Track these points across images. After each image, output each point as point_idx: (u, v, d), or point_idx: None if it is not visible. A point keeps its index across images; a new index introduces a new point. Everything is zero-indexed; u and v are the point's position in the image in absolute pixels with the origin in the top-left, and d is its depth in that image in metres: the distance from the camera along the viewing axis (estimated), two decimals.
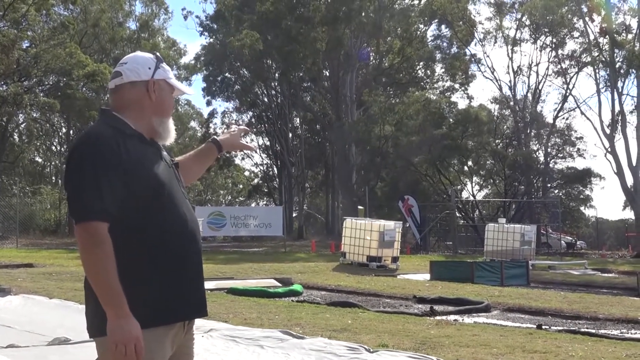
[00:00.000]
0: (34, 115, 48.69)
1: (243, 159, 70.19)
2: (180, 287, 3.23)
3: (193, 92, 4.43)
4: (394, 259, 27.11)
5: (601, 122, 48.31)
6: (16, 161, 49.58)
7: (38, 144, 50.73)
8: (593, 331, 11.86)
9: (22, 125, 53.14)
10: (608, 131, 47.86)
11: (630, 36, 47.96)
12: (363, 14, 51.29)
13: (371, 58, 58.76)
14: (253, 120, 64.48)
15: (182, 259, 3.24)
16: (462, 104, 55.91)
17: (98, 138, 3.22)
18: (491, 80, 57.10)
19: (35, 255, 26.55)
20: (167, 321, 3.20)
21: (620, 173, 46.53)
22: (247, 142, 4.12)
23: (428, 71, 59.79)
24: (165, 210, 3.22)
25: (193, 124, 73.25)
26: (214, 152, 3.97)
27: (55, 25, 46.70)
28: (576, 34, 53.26)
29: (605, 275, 28.63)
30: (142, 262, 3.17)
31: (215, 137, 4.03)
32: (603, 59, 48.79)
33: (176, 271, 3.22)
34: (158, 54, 3.50)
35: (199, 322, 10.52)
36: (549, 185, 55.05)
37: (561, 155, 55.39)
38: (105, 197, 3.09)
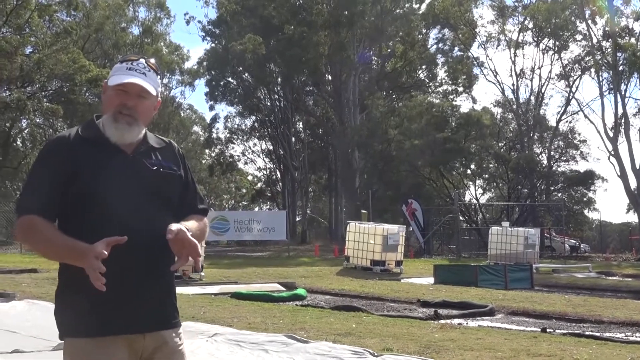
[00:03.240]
0: (37, 120, 48.73)
1: (246, 163, 70.25)
2: (104, 301, 3.15)
3: (115, 82, 3.81)
4: (398, 263, 27.08)
5: (604, 125, 48.26)
6: (19, 166, 49.54)
7: (42, 148, 50.68)
8: (597, 334, 11.85)
9: (26, 131, 53.19)
10: (611, 134, 47.79)
11: (633, 39, 47.93)
12: (365, 18, 51.29)
13: (373, 62, 58.75)
14: (256, 124, 64.51)
15: (110, 272, 3.07)
16: (465, 107, 55.90)
17: (48, 143, 3.42)
18: (494, 83, 57.16)
19: (39, 260, 26.50)
20: (88, 332, 3.18)
21: (623, 176, 46.46)
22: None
23: (430, 75, 59.72)
24: (94, 219, 3.19)
25: (196, 128, 73.32)
26: None
27: (58, 30, 46.72)
28: (579, 37, 53.30)
29: (610, 278, 28.59)
30: (68, 268, 3.21)
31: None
32: (606, 62, 48.75)
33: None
34: (131, 55, 3.49)
35: (203, 327, 10.54)
36: (552, 188, 54.94)
37: (564, 158, 55.38)
38: (38, 197, 3.21)
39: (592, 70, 51.34)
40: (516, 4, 55.03)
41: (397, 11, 54.94)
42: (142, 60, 3.41)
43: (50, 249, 3.22)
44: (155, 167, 3.37)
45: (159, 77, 3.47)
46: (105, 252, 3.00)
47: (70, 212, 3.22)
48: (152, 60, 3.48)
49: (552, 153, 55.20)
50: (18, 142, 53.86)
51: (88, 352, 3.20)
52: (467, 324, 13.55)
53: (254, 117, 64.17)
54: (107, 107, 3.36)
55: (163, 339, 3.35)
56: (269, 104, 60.40)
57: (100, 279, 2.98)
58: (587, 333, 12.00)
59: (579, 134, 56.23)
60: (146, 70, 3.38)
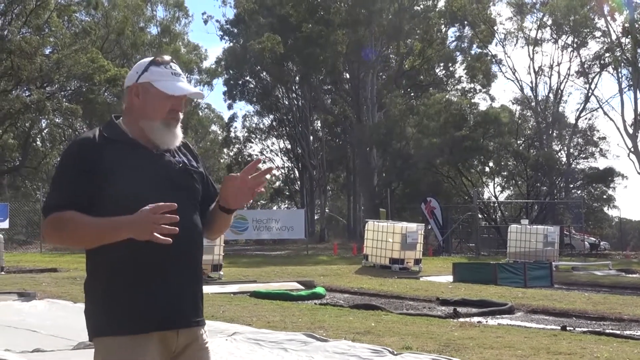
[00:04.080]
0: (57, 120, 48.97)
1: (264, 162, 70.27)
2: (138, 298, 3.18)
3: (181, 92, 3.43)
4: (417, 261, 27.03)
5: (624, 121, 48.02)
6: (39, 166, 49.83)
7: (61, 148, 50.93)
8: (618, 332, 11.80)
9: (45, 131, 53.45)
10: (631, 131, 47.54)
11: None
12: (383, 16, 51.24)
13: (391, 60, 58.69)
14: (274, 123, 64.60)
15: (143, 268, 3.16)
16: (483, 105, 55.74)
17: (73, 145, 3.40)
18: (512, 81, 57.14)
19: (59, 260, 26.72)
20: (123, 331, 3.18)
21: None
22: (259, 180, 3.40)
23: (448, 72, 59.64)
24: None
25: (214, 127, 73.36)
26: (217, 212, 3.50)
27: (77, 30, 46.98)
28: (598, 33, 53.00)
29: (630, 276, 28.42)
30: (103, 266, 3.23)
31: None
32: (625, 59, 48.49)
33: (135, 281, 3.18)
34: (163, 57, 3.48)
35: (222, 326, 10.58)
36: (571, 185, 54.75)
37: (583, 155, 55.16)
38: (64, 197, 3.20)
39: (611, 66, 51.10)
40: (534, 0, 54.86)
41: (415, 8, 54.84)
42: (176, 65, 3.44)
43: (88, 231, 3.16)
44: (181, 164, 3.40)
45: None
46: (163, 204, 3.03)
47: (99, 214, 3.18)
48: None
49: (571, 150, 55.02)
50: (38, 142, 54.15)
51: (123, 350, 3.19)
52: (486, 322, 13.52)
53: (272, 116, 64.32)
54: (146, 111, 3.36)
55: (194, 335, 3.37)
56: (287, 102, 60.49)
57: (168, 229, 3.02)
58: (607, 331, 11.95)
59: (598, 131, 55.91)
60: (183, 73, 3.43)
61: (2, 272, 22.36)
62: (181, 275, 3.29)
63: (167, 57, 3.48)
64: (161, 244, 3.06)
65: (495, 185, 56.92)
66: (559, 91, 55.90)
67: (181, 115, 3.42)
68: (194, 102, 62.81)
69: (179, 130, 3.41)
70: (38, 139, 54.36)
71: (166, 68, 3.39)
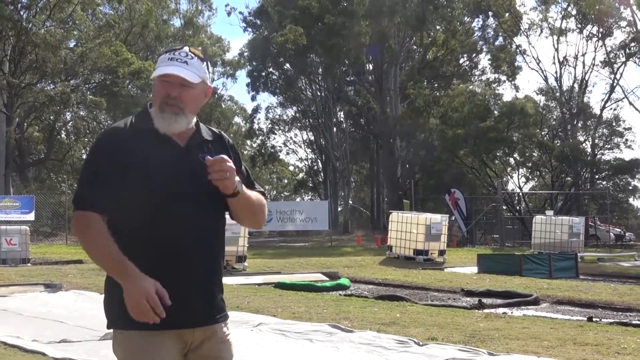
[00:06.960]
0: (81, 113, 49.23)
1: (288, 153, 70.39)
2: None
3: (158, 73, 3.31)
4: (441, 252, 26.98)
5: None
6: (64, 159, 50.13)
7: (86, 141, 51.24)
8: None
9: (70, 124, 53.77)
10: None
11: None
12: (407, 6, 51.03)
13: (415, 50, 58.48)
14: (297, 114, 64.64)
15: (153, 272, 3.12)
16: (507, 95, 55.49)
17: (103, 134, 3.43)
18: (537, 71, 56.86)
19: (84, 251, 26.85)
20: (140, 327, 3.18)
21: None
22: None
23: (472, 63, 59.34)
24: (146, 212, 3.18)
25: (237, 119, 73.44)
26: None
27: (101, 24, 47.15)
28: (623, 23, 52.57)
29: None
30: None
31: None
32: None
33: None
34: (174, 45, 3.47)
35: (247, 317, 10.62)
36: (596, 176, 54.41)
37: (609, 146, 54.82)
38: (95, 191, 3.20)
39: (637, 56, 50.69)
40: None
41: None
42: (186, 49, 3.36)
43: (100, 259, 3.25)
44: (205, 157, 3.32)
45: (205, 63, 3.39)
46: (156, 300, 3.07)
47: (122, 205, 3.19)
48: (199, 48, 3.44)
49: (596, 141, 54.62)
50: (62, 135, 54.51)
51: (138, 343, 3.23)
52: (511, 313, 13.47)
53: (295, 108, 64.35)
54: (155, 98, 3.34)
55: (212, 329, 3.37)
56: (310, 94, 60.41)
57: (151, 315, 3.08)
58: (634, 322, 11.88)
59: (624, 122, 55.61)
60: (188, 58, 3.32)
61: (29, 264, 22.53)
62: (193, 277, 3.27)
63: (177, 45, 3.47)
64: (170, 249, 3.13)
65: (520, 176, 56.75)
66: (584, 81, 55.50)
67: (181, 101, 3.29)
68: (217, 94, 63.02)
69: (181, 117, 3.29)
70: (63, 132, 54.74)
71: (167, 54, 3.36)
